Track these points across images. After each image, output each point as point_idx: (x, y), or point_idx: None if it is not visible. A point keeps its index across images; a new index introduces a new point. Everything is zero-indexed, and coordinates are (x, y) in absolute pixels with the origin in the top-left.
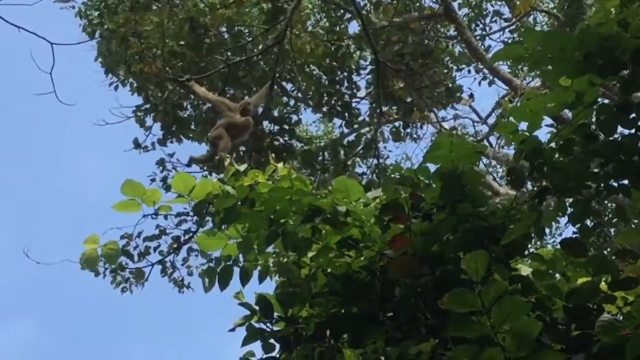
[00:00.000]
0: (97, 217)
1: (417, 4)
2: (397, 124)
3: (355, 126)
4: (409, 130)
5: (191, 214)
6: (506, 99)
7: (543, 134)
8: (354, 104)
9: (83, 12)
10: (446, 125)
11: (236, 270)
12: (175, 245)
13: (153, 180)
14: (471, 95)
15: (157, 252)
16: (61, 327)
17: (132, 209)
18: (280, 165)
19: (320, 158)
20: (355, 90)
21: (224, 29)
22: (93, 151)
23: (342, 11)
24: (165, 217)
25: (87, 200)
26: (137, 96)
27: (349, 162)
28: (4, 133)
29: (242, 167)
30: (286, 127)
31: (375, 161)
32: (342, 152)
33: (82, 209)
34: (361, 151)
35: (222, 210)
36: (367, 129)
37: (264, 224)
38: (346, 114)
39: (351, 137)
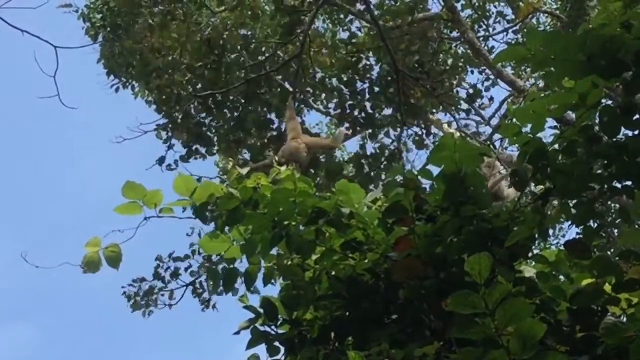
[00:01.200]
0: (98, 220)
1: (421, 6)
2: (419, 131)
3: (380, 136)
4: (431, 137)
5: None
6: (509, 100)
7: (546, 135)
8: (376, 115)
9: (86, 15)
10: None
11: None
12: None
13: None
14: (491, 99)
15: (188, 272)
16: (62, 331)
17: (133, 211)
18: (283, 167)
19: (344, 171)
20: (377, 101)
21: (240, 46)
22: (95, 154)
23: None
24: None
25: (89, 204)
26: (142, 98)
27: (372, 174)
28: (6, 135)
29: (245, 170)
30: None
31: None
32: (365, 163)
33: (84, 212)
34: (385, 162)
35: (225, 212)
36: (390, 139)
37: (268, 226)
38: (369, 126)
39: (372, 147)
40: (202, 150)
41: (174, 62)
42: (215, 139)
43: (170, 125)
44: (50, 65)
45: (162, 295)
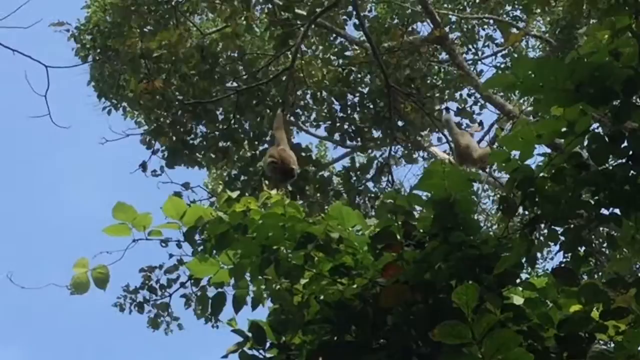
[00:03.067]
0: (88, 241)
1: (410, 28)
2: (408, 146)
3: (369, 151)
4: (420, 152)
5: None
6: (497, 125)
7: (535, 162)
8: (365, 129)
9: (77, 36)
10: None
11: (229, 296)
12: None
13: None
14: (480, 123)
15: (179, 283)
16: (47, 353)
17: (123, 233)
18: (273, 192)
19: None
20: (367, 115)
21: (235, 56)
22: (85, 174)
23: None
24: (165, 241)
25: (79, 224)
26: (132, 119)
27: (361, 187)
28: None
29: (235, 194)
30: (303, 154)
31: (390, 185)
32: (354, 177)
33: (73, 232)
34: (373, 175)
35: (214, 236)
36: (379, 152)
37: (257, 250)
38: (359, 139)
39: (360, 160)
40: (188, 157)
41: (166, 69)
42: (202, 149)
43: (156, 131)
44: (41, 85)
45: (155, 307)
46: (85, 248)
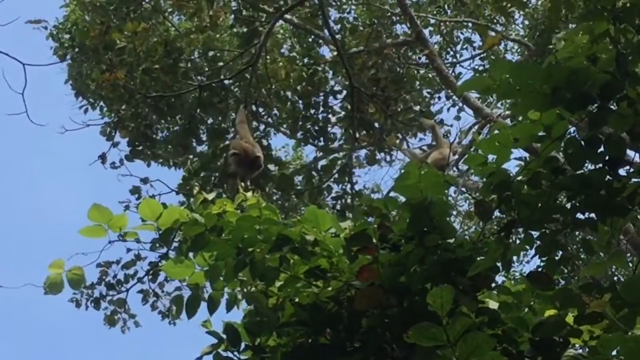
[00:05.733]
0: (63, 242)
1: (389, 32)
2: (371, 148)
3: (331, 152)
4: (383, 154)
5: None
6: (474, 129)
7: (512, 165)
8: (329, 129)
9: (55, 34)
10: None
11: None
12: (151, 271)
13: (127, 207)
14: (441, 122)
15: (136, 279)
16: (26, 352)
17: (99, 234)
18: (249, 194)
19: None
20: (330, 115)
21: (198, 53)
22: (61, 174)
23: (313, 37)
24: (138, 241)
25: (55, 224)
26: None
27: (323, 187)
28: None
29: (211, 195)
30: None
31: (349, 186)
32: (316, 176)
33: (49, 233)
34: (336, 175)
35: (189, 238)
36: (342, 153)
37: (232, 252)
38: (321, 139)
39: (323, 161)
40: (148, 152)
41: (128, 62)
42: (163, 143)
43: (117, 123)
44: (19, 83)
45: (112, 304)
46: (62, 248)
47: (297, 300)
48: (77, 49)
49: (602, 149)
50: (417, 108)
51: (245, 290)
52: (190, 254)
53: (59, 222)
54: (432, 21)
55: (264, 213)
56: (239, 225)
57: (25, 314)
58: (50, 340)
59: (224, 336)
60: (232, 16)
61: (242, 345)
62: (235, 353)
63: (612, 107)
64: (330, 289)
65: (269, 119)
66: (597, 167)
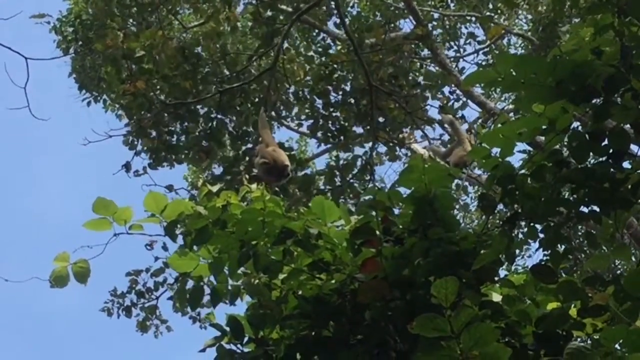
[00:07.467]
0: (69, 236)
1: (392, 25)
2: (390, 144)
3: (351, 147)
4: (404, 150)
5: None
6: (479, 122)
7: (516, 159)
8: (348, 127)
9: (58, 28)
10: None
11: (207, 290)
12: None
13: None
14: (462, 117)
15: (166, 285)
16: (28, 347)
17: (103, 228)
18: (253, 186)
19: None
20: (350, 113)
21: (217, 56)
22: (66, 168)
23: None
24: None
25: (59, 219)
26: (112, 112)
27: (344, 186)
28: None
29: (216, 188)
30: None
31: (371, 183)
32: (337, 175)
33: (53, 227)
34: (357, 174)
35: (193, 231)
36: (362, 150)
37: (236, 245)
38: (342, 137)
39: (344, 159)
40: (171, 158)
41: (147, 69)
42: (185, 149)
43: (139, 132)
44: (21, 77)
45: (143, 310)
46: (67, 244)
47: (300, 293)
48: (80, 43)
49: (606, 142)
50: (437, 104)
51: (248, 283)
52: (195, 247)
53: (62, 218)
54: (436, 16)
55: (267, 206)
56: (242, 218)
57: (30, 308)
58: (55, 333)
59: (227, 329)
60: (247, 16)
61: (246, 338)
62: (239, 346)
63: (616, 100)
64: (333, 281)
65: (289, 121)
66: (601, 160)
